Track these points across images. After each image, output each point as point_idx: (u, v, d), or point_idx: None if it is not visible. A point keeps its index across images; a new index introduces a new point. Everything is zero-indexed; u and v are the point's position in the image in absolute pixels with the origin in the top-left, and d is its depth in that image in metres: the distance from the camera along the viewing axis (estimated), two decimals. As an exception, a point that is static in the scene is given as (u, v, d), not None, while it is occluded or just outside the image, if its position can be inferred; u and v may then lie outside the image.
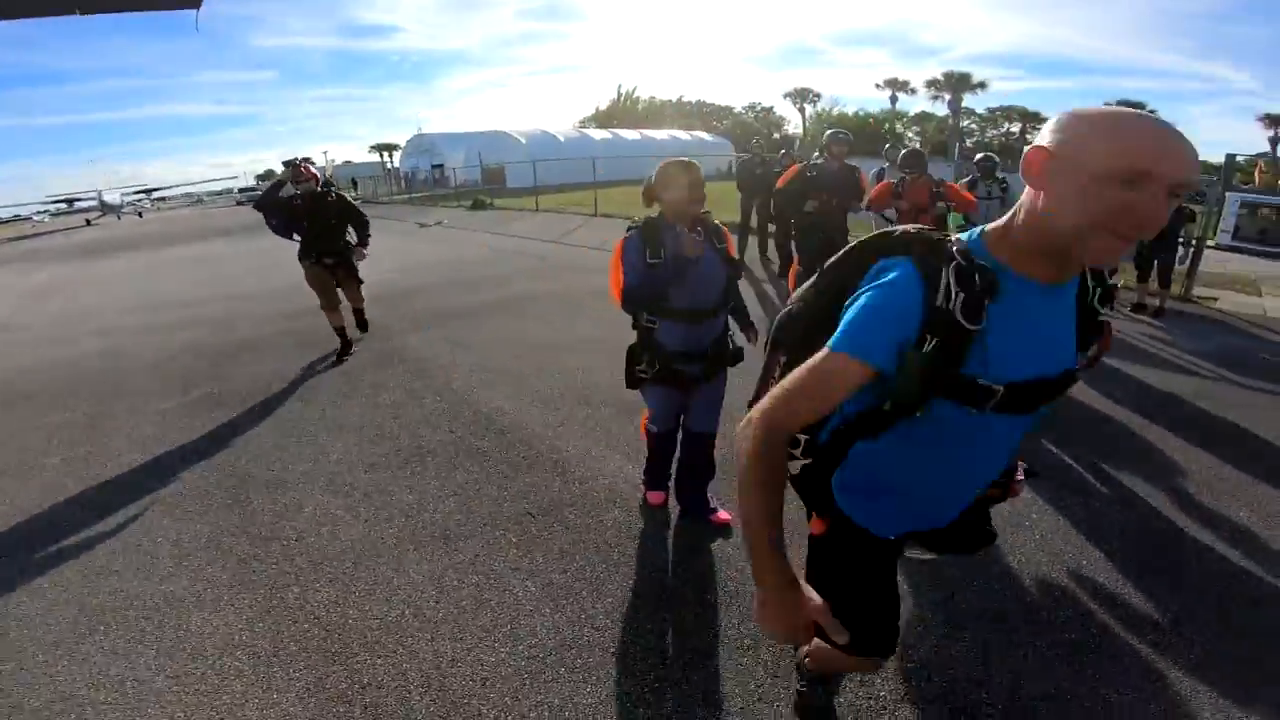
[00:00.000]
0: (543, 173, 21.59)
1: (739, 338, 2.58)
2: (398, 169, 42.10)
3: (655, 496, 2.85)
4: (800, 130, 53.81)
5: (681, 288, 2.27)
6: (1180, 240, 6.85)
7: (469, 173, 31.33)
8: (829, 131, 5.17)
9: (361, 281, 5.41)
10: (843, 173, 4.93)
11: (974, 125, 53.59)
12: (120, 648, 2.18)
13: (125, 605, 2.40)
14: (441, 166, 34.82)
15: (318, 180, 4.96)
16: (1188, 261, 7.44)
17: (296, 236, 4.93)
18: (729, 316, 2.54)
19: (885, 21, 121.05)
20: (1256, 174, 18.98)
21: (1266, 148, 41.08)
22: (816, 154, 5.33)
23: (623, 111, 63.92)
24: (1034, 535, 2.63)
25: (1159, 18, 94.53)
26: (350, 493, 3.12)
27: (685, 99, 69.71)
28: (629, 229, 2.32)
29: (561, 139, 37.82)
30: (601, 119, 63.62)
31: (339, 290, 5.20)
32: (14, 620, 2.35)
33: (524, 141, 35.08)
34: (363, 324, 5.75)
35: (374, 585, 2.43)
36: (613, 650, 2.06)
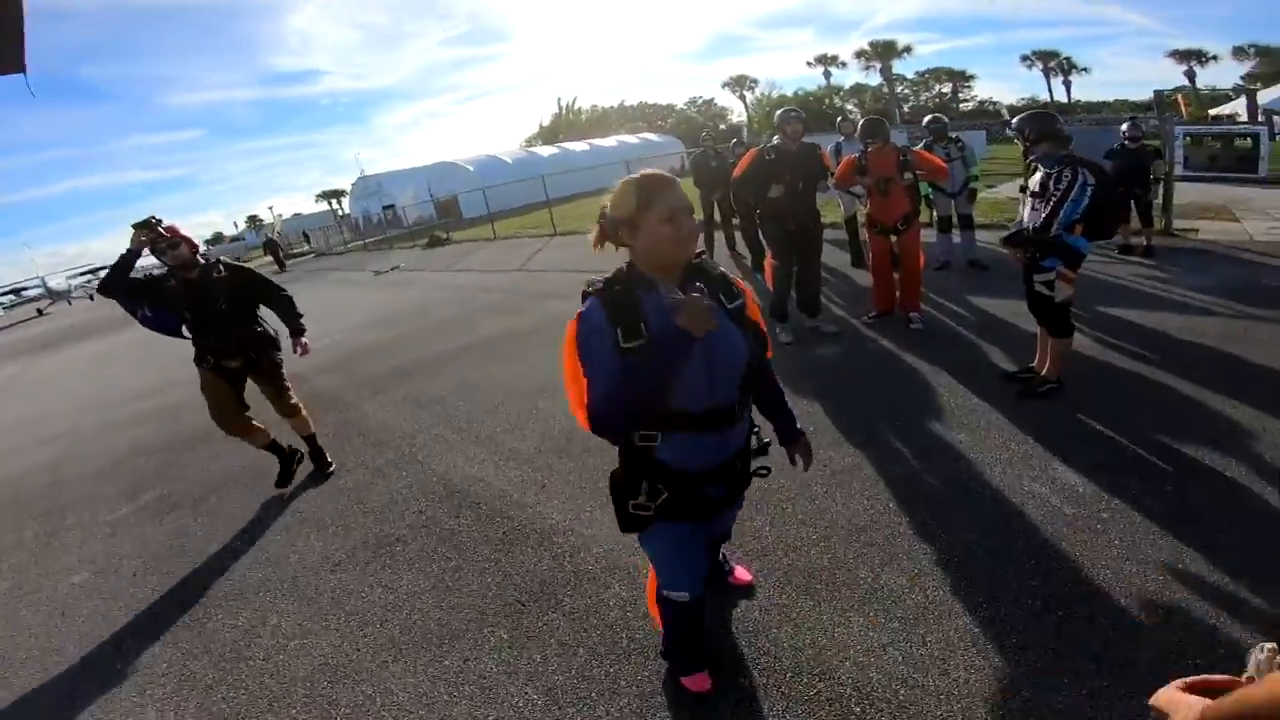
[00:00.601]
0: (495, 198, 21.24)
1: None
2: (349, 215, 41.32)
3: (695, 682, 1.97)
4: (745, 118, 54.07)
5: (685, 380, 1.47)
6: (1155, 178, 6.82)
7: (421, 209, 30.80)
8: (780, 111, 4.87)
9: (288, 387, 3.94)
10: (803, 152, 4.66)
11: (907, 91, 54.32)
12: None
13: None
14: (392, 207, 34.24)
15: (193, 248, 3.53)
16: (1160, 197, 7.42)
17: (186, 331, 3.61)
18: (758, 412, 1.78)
19: (802, 0, 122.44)
20: (1182, 107, 19.32)
21: (1183, 81, 42.37)
22: (772, 136, 5.07)
23: (567, 124, 63.78)
24: (1113, 530, 2.41)
25: None
26: (316, 599, 2.81)
27: (627, 103, 69.91)
28: (586, 292, 1.53)
29: (509, 161, 37.47)
30: (547, 135, 63.40)
31: (259, 399, 3.88)
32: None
33: (472, 169, 34.66)
34: (317, 455, 4.09)
35: (355, 709, 2.14)
36: None
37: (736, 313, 1.56)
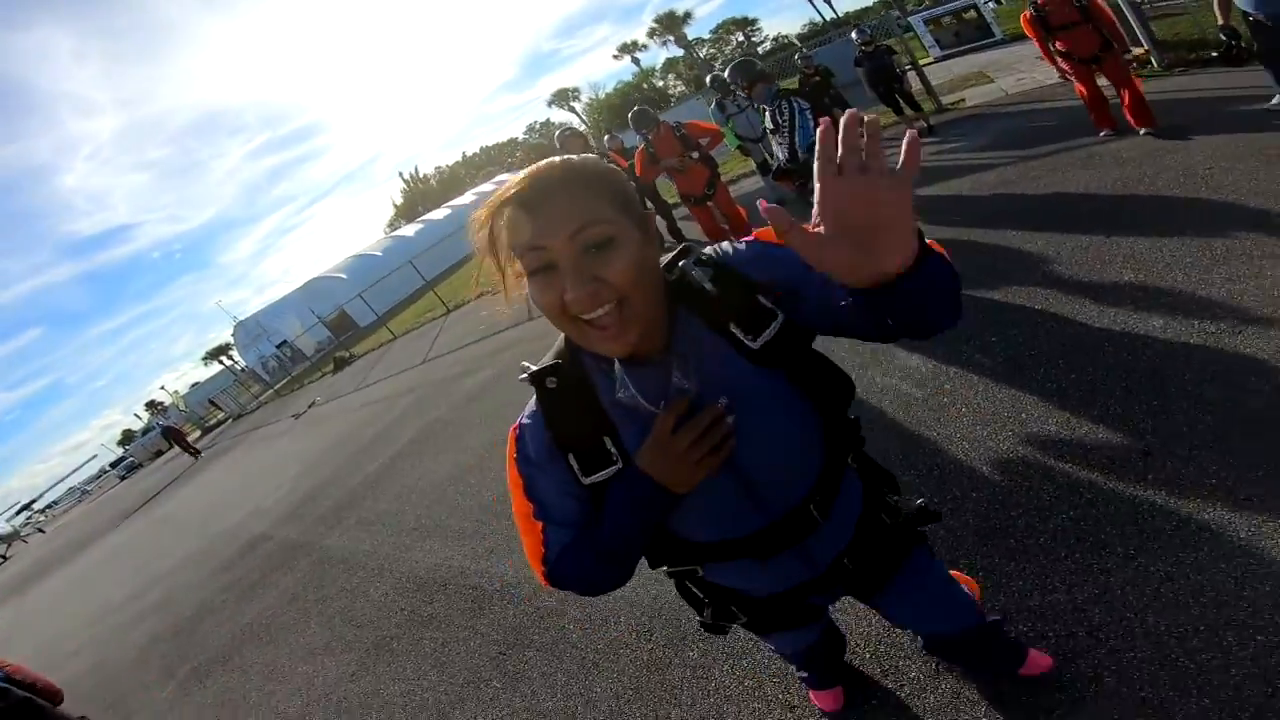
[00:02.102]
0: (380, 296, 21.07)
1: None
2: (247, 368, 39.86)
3: (824, 700, 1.80)
4: (584, 127, 55.24)
5: (705, 507, 0.96)
6: (901, 71, 7.70)
7: (315, 334, 30.12)
8: (557, 133, 5.34)
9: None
10: None
11: (713, 50, 56.76)
12: None
13: None
14: (285, 342, 33.29)
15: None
16: (914, 84, 8.39)
17: None
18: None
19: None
20: None
21: None
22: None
23: (420, 194, 63.31)
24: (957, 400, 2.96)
25: None
26: (349, 707, 3.23)
27: (469, 153, 69.97)
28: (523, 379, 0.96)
29: (379, 253, 36.98)
30: (404, 212, 62.74)
31: None
32: None
33: (345, 276, 34.11)
34: None
35: None
36: None
37: (769, 349, 0.87)
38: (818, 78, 8.11)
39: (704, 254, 0.91)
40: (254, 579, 5.76)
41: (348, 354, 20.03)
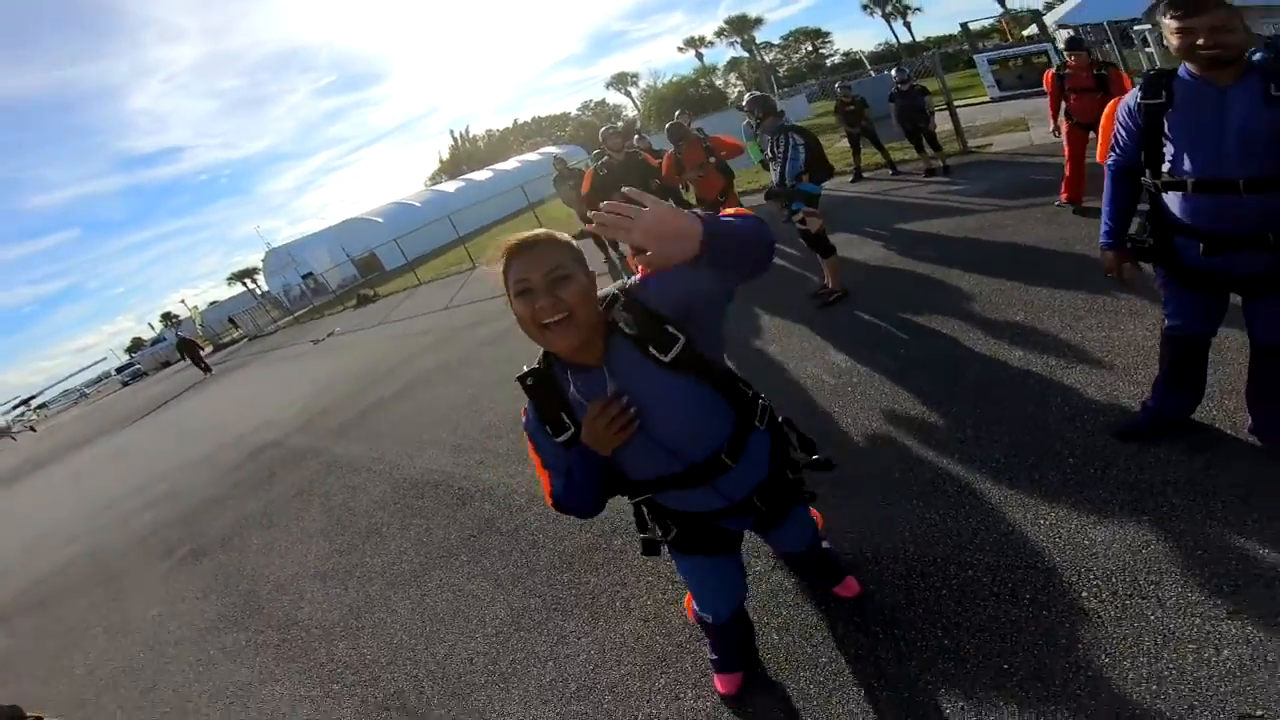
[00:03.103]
0: (412, 244, 21.94)
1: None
2: (268, 293, 41.00)
3: (724, 683, 2.03)
4: (636, 113, 55.67)
5: (639, 457, 1.41)
6: (930, 112, 8.22)
7: (342, 270, 31.13)
8: (602, 130, 6.05)
9: None
10: (629, 162, 5.85)
11: (780, 55, 56.98)
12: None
13: (215, 698, 3.14)
14: (310, 275, 34.35)
15: None
16: (949, 124, 8.93)
17: None
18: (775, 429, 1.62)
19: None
20: (1007, 31, 21.52)
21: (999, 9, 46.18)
22: (595, 152, 6.19)
23: (466, 154, 64.22)
24: (857, 389, 3.67)
25: None
26: (335, 574, 3.85)
27: (521, 120, 70.75)
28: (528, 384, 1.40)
29: (418, 204, 37.94)
30: (448, 168, 63.76)
31: None
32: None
33: (381, 220, 35.07)
34: None
35: (376, 628, 3.17)
36: (555, 609, 2.86)
37: (683, 361, 1.29)
38: (852, 106, 8.76)
39: (624, 300, 1.29)
40: (261, 477, 6.37)
41: (372, 293, 20.90)
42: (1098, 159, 2.28)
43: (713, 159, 5.98)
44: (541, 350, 1.37)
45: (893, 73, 8.51)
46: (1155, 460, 2.33)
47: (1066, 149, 5.21)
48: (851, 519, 2.61)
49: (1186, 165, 1.92)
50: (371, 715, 2.62)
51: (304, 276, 34.58)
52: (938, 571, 2.22)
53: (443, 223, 19.84)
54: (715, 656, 2.03)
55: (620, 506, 1.82)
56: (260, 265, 47.90)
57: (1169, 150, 1.95)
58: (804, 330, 4.64)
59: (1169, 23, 1.87)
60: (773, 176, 4.71)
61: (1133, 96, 2.01)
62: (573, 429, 1.35)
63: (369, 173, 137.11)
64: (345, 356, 12.24)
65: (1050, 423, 2.75)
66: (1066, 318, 3.51)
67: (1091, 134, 5.13)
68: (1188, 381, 2.29)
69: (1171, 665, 1.67)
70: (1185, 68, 1.92)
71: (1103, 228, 2.23)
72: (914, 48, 45.46)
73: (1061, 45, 5.37)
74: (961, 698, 1.79)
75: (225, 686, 3.24)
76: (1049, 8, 30.19)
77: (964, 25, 12.00)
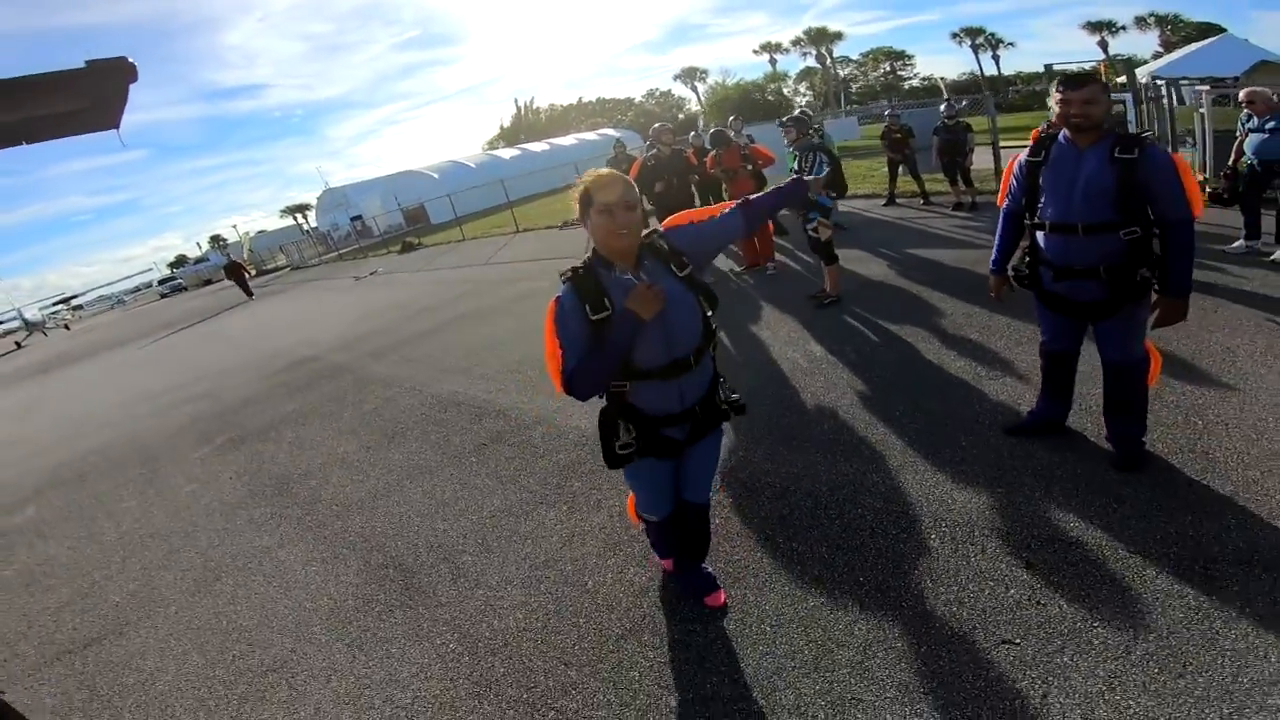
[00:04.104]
0: (461, 202, 22.92)
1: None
2: (316, 229, 42.57)
3: (668, 564, 2.70)
4: (700, 108, 56.19)
5: (646, 342, 1.87)
6: (969, 149, 8.71)
7: (390, 218, 32.37)
8: (654, 126, 6.84)
9: None
10: (674, 157, 6.62)
11: (856, 71, 56.86)
12: (240, 592, 3.72)
13: (235, 558, 3.89)
14: (360, 218, 35.70)
15: None
16: (990, 162, 9.43)
17: None
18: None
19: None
20: (1104, 76, 21.53)
21: (1100, 53, 45.40)
22: (649, 146, 6.97)
23: (526, 125, 65.36)
24: (824, 373, 4.36)
25: None
26: (359, 465, 4.61)
27: (585, 99, 71.62)
28: (563, 280, 1.90)
29: (473, 165, 39.13)
30: (508, 136, 65.01)
31: None
32: (158, 581, 3.85)
33: (436, 176, 36.32)
34: None
35: (389, 510, 3.89)
36: (541, 502, 3.63)
37: (688, 279, 1.92)
38: (899, 134, 9.31)
39: (660, 235, 1.95)
40: (301, 383, 7.21)
41: (417, 241, 21.93)
42: (997, 203, 2.87)
43: (749, 166, 6.66)
44: (586, 256, 1.95)
45: (942, 108, 9.04)
46: (1024, 452, 2.97)
47: None
48: (790, 464, 3.31)
49: (1048, 211, 2.52)
50: (372, 573, 3.27)
51: (353, 218, 35.93)
52: (836, 507, 2.89)
53: (495, 186, 20.74)
54: (655, 544, 2.66)
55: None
56: (314, 203, 49.55)
57: (1041, 198, 2.54)
58: (795, 323, 5.34)
59: (1055, 94, 2.43)
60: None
61: (1025, 154, 2.61)
62: (609, 310, 1.82)
63: (429, 130, 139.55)
64: (385, 293, 13.16)
65: (961, 416, 3.40)
66: (1010, 342, 4.14)
67: None
68: (1059, 391, 2.92)
69: (971, 594, 2.29)
70: (1064, 132, 2.47)
71: (992, 256, 2.89)
72: (998, 81, 45.23)
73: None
74: (819, 597, 2.44)
75: (246, 550, 3.79)
76: (1158, 55, 29.96)
77: (1048, 66, 12.25)
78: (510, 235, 17.09)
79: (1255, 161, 5.14)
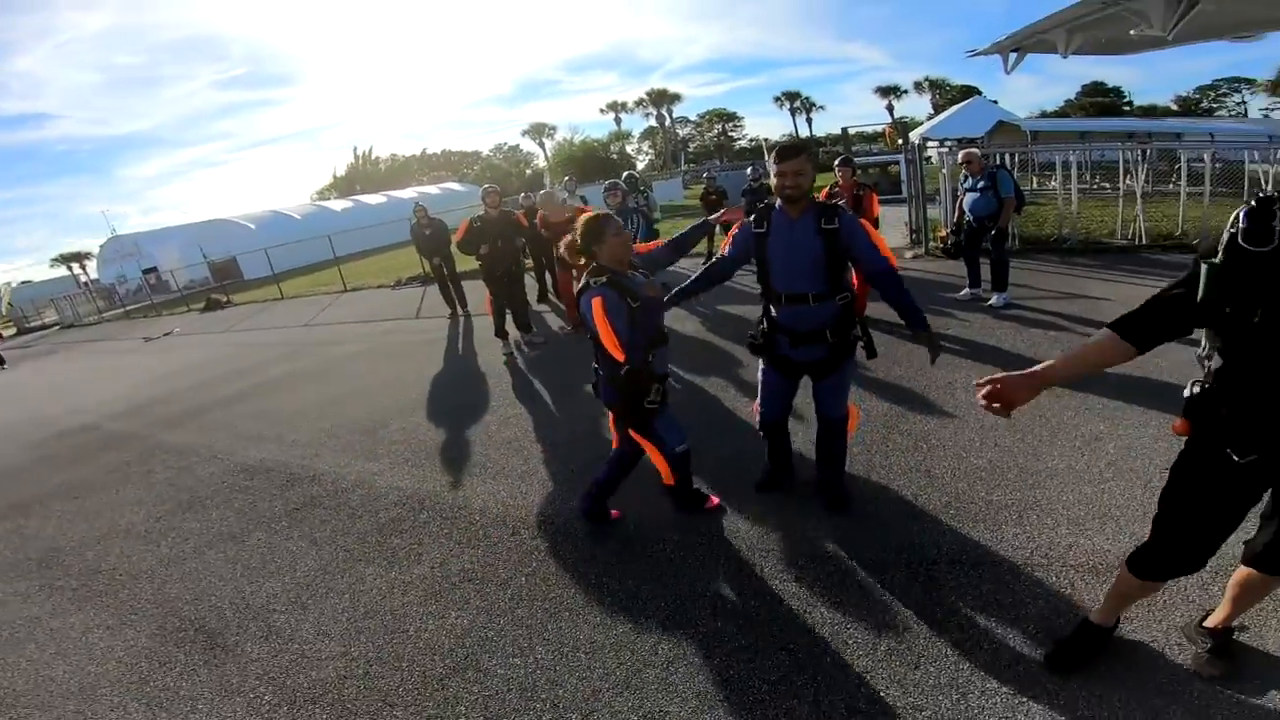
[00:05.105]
0: (282, 257, 21.68)
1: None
2: (97, 281, 37.69)
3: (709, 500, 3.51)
4: (546, 164, 58.11)
5: (648, 323, 2.80)
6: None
7: (193, 272, 29.59)
8: (484, 187, 7.25)
9: None
10: (501, 219, 6.99)
11: (695, 131, 62.56)
12: (9, 659, 3.39)
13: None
14: (154, 270, 32.26)
15: None
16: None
17: None
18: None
19: (608, 43, 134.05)
20: (888, 138, 25.22)
21: (888, 116, 53.99)
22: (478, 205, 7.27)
23: (363, 175, 63.39)
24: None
25: (814, 9, 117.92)
26: (148, 535, 4.38)
27: (430, 151, 71.14)
28: (596, 286, 2.73)
29: (297, 216, 37.15)
30: (340, 186, 62.56)
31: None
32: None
33: (253, 227, 34.02)
34: None
35: (184, 576, 3.76)
36: (360, 560, 3.71)
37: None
38: (714, 195, 10.46)
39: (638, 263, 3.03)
40: (72, 454, 6.55)
41: (224, 298, 20.29)
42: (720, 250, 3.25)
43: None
44: (597, 272, 2.81)
45: (749, 170, 10.32)
46: (762, 500, 3.49)
47: None
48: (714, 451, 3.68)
49: (780, 282, 2.82)
50: (168, 636, 3.21)
51: (146, 271, 32.38)
52: (640, 543, 3.31)
53: (320, 241, 19.92)
54: (684, 491, 3.41)
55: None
56: (95, 251, 44.01)
57: (770, 269, 2.83)
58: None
59: (771, 167, 2.70)
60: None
61: (751, 223, 2.89)
62: (639, 300, 2.77)
63: (251, 175, 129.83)
64: (183, 355, 12.13)
65: (744, 458, 3.98)
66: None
67: None
68: (782, 458, 3.44)
69: (753, 607, 2.80)
70: (778, 202, 2.77)
71: (676, 287, 3.22)
72: (809, 142, 51.55)
73: (837, 162, 6.76)
74: (626, 624, 2.86)
75: (9, 620, 3.61)
76: (931, 117, 35.60)
77: (844, 129, 14.40)
78: (336, 294, 16.45)
79: (971, 218, 6.41)
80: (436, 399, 6.26)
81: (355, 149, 74.11)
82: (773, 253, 2.83)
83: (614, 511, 3.52)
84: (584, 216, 2.86)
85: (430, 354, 8.02)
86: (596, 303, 2.68)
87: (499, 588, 3.14)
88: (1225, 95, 50.13)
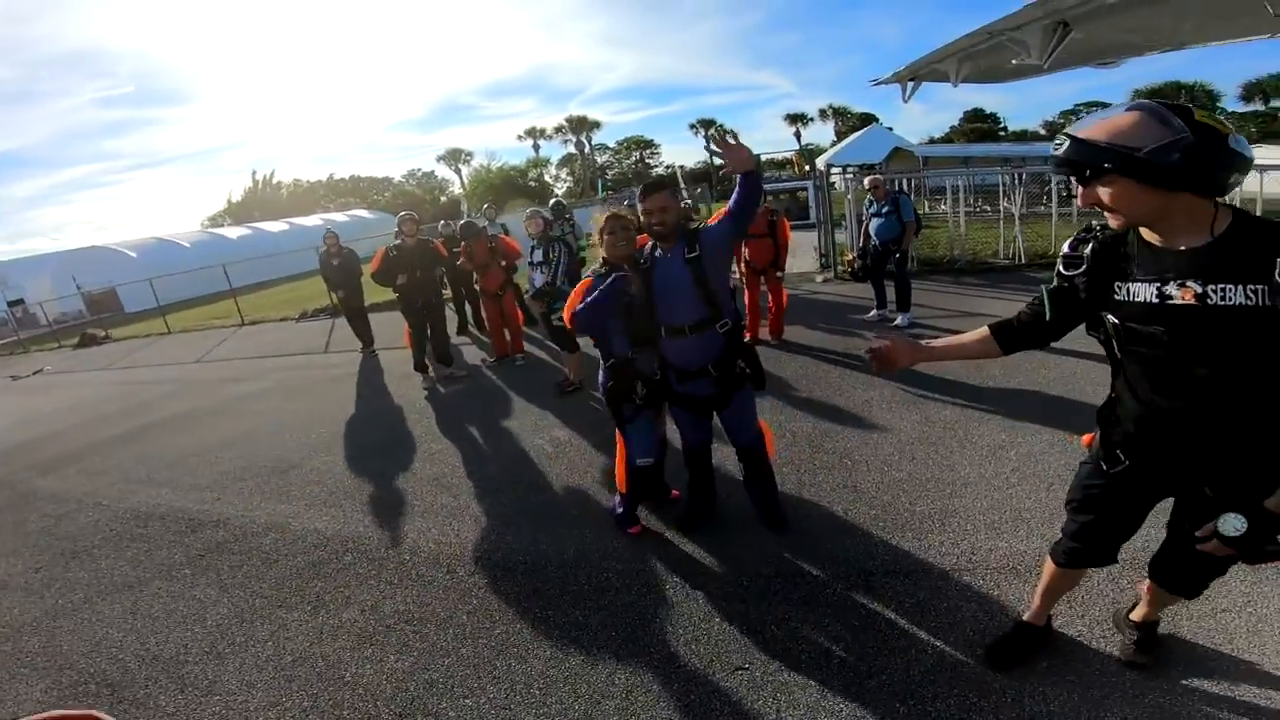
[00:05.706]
0: (168, 288, 20.43)
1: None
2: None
3: (634, 530, 3.60)
4: (462, 190, 57.50)
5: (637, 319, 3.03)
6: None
7: (66, 304, 27.30)
8: (400, 215, 7.12)
9: None
10: (419, 248, 6.89)
11: (612, 158, 63.69)
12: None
13: None
14: (21, 302, 29.53)
15: None
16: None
17: None
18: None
19: (526, 68, 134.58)
20: (796, 165, 26.45)
21: (796, 142, 56.73)
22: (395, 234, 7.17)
23: (261, 200, 60.68)
24: (565, 459, 4.81)
25: (727, 37, 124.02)
26: (27, 587, 4.06)
27: (337, 176, 68.96)
28: (600, 271, 2.95)
29: (187, 244, 35.08)
30: (237, 212, 59.60)
31: None
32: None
33: (134, 255, 31.82)
34: None
35: (76, 628, 3.52)
36: (280, 605, 3.56)
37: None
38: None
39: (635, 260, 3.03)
40: None
41: (102, 333, 18.83)
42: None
43: (502, 262, 7.25)
44: (603, 262, 3.03)
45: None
46: (728, 514, 3.64)
47: (746, 294, 6.69)
48: (539, 540, 3.70)
49: (663, 314, 2.92)
50: (66, 691, 3.02)
51: (12, 303, 29.57)
52: (585, 574, 3.35)
53: (214, 271, 18.88)
54: (623, 504, 3.59)
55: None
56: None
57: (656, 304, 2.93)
58: (540, 410, 5.90)
59: (639, 205, 2.83)
60: (536, 278, 6.02)
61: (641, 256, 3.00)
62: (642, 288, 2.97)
63: (135, 199, 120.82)
64: (56, 396, 11.20)
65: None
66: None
67: (761, 276, 6.66)
68: (702, 483, 3.49)
69: (705, 630, 2.86)
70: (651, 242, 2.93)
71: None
72: (721, 169, 53.35)
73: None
74: (579, 656, 2.92)
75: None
76: (834, 144, 37.40)
77: (757, 157, 14.90)
78: (234, 328, 15.61)
79: (876, 241, 6.90)
80: (353, 436, 6.08)
81: (254, 173, 70.96)
82: (656, 288, 2.93)
83: (674, 491, 3.81)
84: (610, 213, 3.00)
85: (343, 390, 7.79)
86: (582, 283, 2.97)
87: (439, 628, 3.09)
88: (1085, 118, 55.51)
